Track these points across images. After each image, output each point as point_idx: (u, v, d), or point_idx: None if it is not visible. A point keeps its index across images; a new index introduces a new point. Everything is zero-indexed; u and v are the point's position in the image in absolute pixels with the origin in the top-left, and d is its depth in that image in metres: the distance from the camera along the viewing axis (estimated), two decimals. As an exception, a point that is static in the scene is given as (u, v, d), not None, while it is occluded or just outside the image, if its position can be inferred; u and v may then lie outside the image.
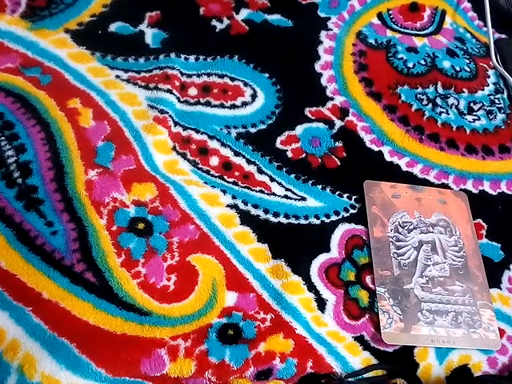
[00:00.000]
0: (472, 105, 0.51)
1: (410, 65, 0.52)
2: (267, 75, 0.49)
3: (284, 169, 0.44)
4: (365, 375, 0.36)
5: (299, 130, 0.46)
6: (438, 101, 0.50)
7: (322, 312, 0.38)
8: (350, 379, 0.35)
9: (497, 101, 0.52)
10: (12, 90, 0.43)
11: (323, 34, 0.52)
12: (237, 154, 0.44)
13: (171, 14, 0.51)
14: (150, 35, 0.49)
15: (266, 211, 0.41)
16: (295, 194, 0.43)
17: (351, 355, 0.36)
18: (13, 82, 0.43)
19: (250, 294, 0.37)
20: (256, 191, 0.42)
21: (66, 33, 0.47)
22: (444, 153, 0.47)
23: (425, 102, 0.50)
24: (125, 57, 0.47)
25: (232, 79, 0.48)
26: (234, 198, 0.41)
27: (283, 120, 0.46)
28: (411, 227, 0.42)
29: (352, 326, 0.38)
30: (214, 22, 0.51)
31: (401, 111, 0.49)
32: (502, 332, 0.39)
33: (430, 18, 0.56)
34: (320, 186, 0.43)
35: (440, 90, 0.51)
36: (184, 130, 0.44)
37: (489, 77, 0.53)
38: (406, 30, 0.55)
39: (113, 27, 0.49)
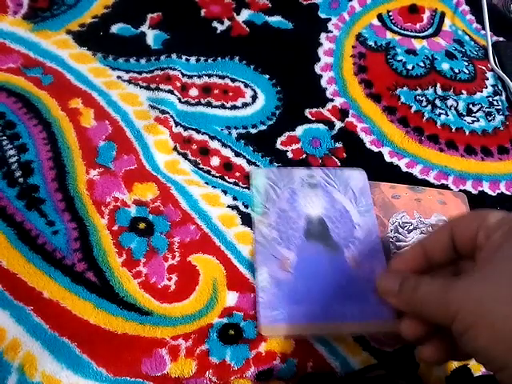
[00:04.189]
0: (471, 106, 0.51)
1: (409, 67, 0.52)
2: (268, 76, 0.49)
3: (284, 169, 0.44)
4: (365, 375, 0.36)
5: (299, 130, 0.46)
6: (437, 102, 0.50)
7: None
8: (349, 379, 0.35)
9: (495, 102, 0.52)
10: (14, 90, 0.43)
11: (323, 36, 0.53)
12: (237, 154, 0.44)
13: (172, 15, 0.51)
14: (152, 36, 0.49)
15: (267, 211, 0.41)
16: (296, 194, 0.43)
17: (351, 355, 0.36)
18: (14, 82, 0.43)
19: (250, 294, 0.37)
20: (257, 191, 0.42)
21: (68, 34, 0.48)
22: (443, 154, 0.47)
23: (424, 104, 0.50)
24: (126, 58, 0.47)
25: (233, 80, 0.48)
26: (234, 198, 0.41)
27: (283, 121, 0.46)
28: (411, 228, 0.42)
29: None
30: (215, 24, 0.51)
31: (400, 112, 0.49)
32: (501, 332, 0.39)
33: (430, 20, 0.57)
34: (320, 187, 0.43)
35: (439, 91, 0.51)
36: (185, 131, 0.44)
37: (487, 79, 0.53)
38: (405, 32, 0.55)
39: (114, 28, 0.49)
